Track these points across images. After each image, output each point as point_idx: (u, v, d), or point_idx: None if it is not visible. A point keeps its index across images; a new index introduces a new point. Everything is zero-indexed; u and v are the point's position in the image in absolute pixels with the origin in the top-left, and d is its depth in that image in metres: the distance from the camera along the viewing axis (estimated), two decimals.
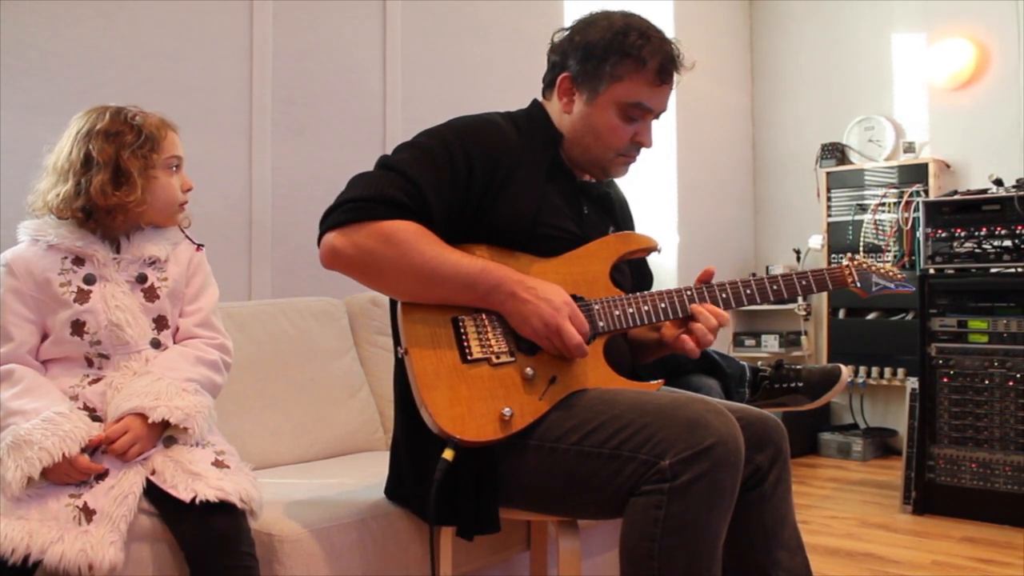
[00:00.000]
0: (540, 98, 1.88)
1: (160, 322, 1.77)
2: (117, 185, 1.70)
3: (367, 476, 2.10)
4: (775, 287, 1.77)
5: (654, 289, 1.81)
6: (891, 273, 1.87)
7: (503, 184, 1.70)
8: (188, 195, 1.85)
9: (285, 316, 2.57)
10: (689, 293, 1.74)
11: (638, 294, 1.72)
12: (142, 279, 1.75)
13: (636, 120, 1.77)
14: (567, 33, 1.80)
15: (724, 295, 1.75)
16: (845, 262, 1.84)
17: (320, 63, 3.10)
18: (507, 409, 1.55)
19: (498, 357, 1.60)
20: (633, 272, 1.91)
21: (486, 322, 1.63)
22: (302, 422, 2.48)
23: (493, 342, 1.62)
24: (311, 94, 3.07)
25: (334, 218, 1.61)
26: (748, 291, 1.76)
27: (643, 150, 1.84)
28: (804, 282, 1.78)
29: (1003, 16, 4.36)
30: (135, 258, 1.76)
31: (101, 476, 1.58)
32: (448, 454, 1.52)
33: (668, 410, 1.51)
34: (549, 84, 1.83)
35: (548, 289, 1.61)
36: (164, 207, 1.78)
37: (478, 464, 1.59)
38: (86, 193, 1.69)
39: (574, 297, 1.65)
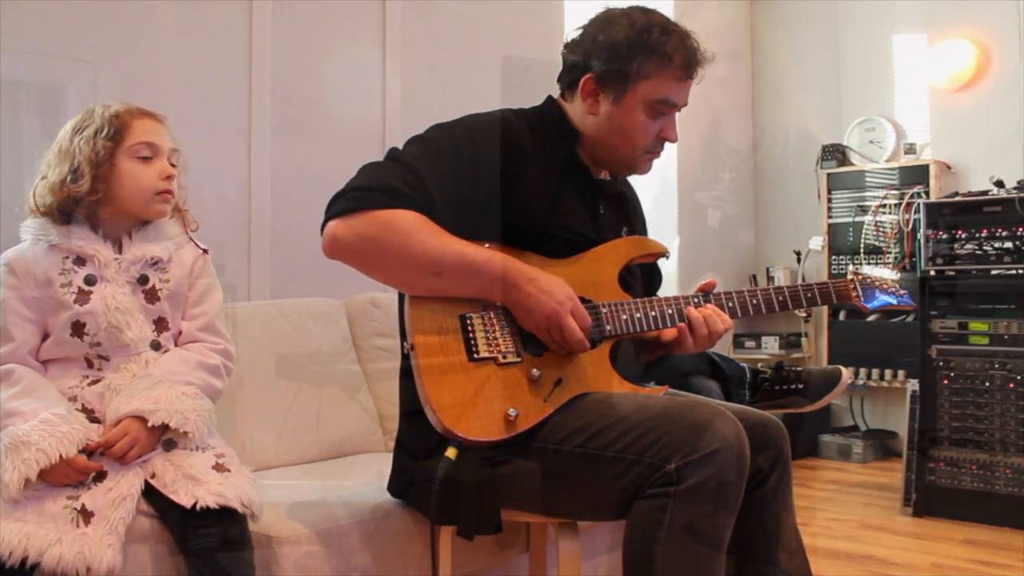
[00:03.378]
0: (556, 96, 1.86)
1: (160, 324, 1.76)
2: (74, 178, 1.70)
3: (367, 477, 2.10)
4: (780, 299, 1.77)
5: (660, 294, 1.81)
6: (894, 288, 1.87)
7: (513, 181, 1.69)
8: (171, 183, 1.79)
9: (284, 317, 2.56)
10: (696, 300, 1.74)
11: (645, 299, 1.72)
12: (143, 280, 1.75)
13: (662, 116, 1.77)
14: (586, 33, 1.79)
15: (731, 304, 1.75)
16: (850, 276, 1.84)
17: (320, 63, 3.09)
18: (512, 410, 1.55)
19: (504, 357, 1.60)
20: (643, 275, 1.91)
21: (494, 320, 1.63)
22: (302, 423, 2.47)
23: (500, 342, 1.61)
24: (311, 94, 3.06)
25: (337, 207, 1.62)
26: (754, 301, 1.76)
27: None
28: (809, 295, 1.79)
29: (1004, 17, 4.35)
30: (137, 259, 1.75)
31: (99, 478, 1.57)
32: (451, 453, 1.52)
33: (673, 414, 1.51)
34: (570, 85, 1.81)
35: (551, 283, 1.61)
36: (132, 196, 1.74)
37: (481, 463, 1.59)
38: (51, 189, 1.70)
39: (582, 299, 1.65)
